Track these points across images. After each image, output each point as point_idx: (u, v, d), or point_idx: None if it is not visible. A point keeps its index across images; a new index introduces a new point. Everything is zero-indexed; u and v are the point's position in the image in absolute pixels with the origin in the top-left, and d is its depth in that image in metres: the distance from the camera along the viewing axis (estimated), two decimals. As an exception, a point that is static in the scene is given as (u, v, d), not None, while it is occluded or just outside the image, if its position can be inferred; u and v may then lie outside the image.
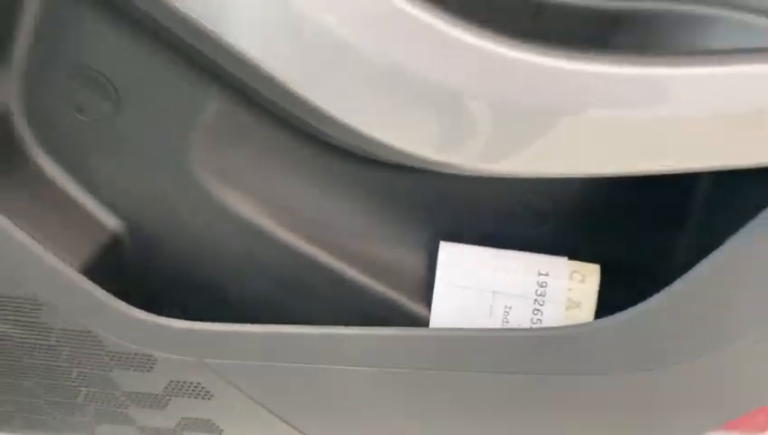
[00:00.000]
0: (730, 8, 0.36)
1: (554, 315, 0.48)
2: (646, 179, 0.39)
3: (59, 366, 0.51)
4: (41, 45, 0.43)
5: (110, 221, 0.49)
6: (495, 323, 0.49)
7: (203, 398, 0.51)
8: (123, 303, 0.46)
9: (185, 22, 0.34)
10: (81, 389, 0.53)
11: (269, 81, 0.35)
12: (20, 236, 0.43)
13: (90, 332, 0.48)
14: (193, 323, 0.47)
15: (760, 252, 0.39)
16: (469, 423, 0.48)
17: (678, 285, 0.41)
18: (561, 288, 0.48)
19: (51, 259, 0.44)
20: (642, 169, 0.36)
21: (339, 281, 0.50)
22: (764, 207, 0.38)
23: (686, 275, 0.41)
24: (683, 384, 0.46)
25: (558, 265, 0.49)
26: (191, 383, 0.50)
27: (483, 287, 0.49)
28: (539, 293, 0.49)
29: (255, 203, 0.48)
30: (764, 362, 0.46)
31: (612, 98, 0.34)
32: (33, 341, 0.49)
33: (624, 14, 0.38)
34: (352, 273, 0.50)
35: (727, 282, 0.41)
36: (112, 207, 0.48)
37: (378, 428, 0.52)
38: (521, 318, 0.49)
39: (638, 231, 0.49)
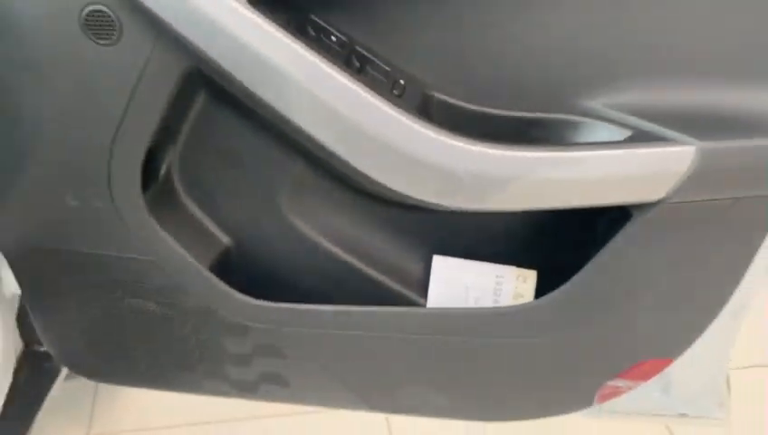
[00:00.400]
0: (596, 118, 0.64)
1: (506, 303, 0.76)
2: (563, 213, 0.66)
3: (184, 335, 0.79)
4: (192, 132, 0.72)
5: (225, 239, 0.77)
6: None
7: (277, 356, 0.78)
8: (233, 289, 0.74)
9: (280, 115, 0.62)
10: (196, 351, 0.80)
11: (336, 157, 0.63)
12: (175, 245, 0.71)
13: (209, 308, 0.75)
14: (276, 303, 0.74)
15: (623, 254, 0.66)
16: (452, 368, 0.76)
17: (576, 279, 0.69)
18: (511, 286, 0.76)
19: (191, 260, 0.72)
20: (555, 206, 0.63)
21: (374, 284, 0.77)
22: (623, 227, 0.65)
23: (578, 274, 0.68)
24: (586, 344, 0.73)
25: (509, 271, 0.76)
26: (271, 345, 0.77)
27: (461, 285, 0.76)
28: (496, 289, 0.76)
29: (322, 232, 0.76)
30: (640, 329, 0.72)
31: (532, 169, 0.61)
32: (170, 315, 0.77)
33: (536, 119, 0.66)
34: (382, 278, 0.78)
35: (605, 277, 0.68)
36: (228, 230, 0.77)
37: (399, 381, 0.79)
38: (485, 305, 0.76)
39: (559, 249, 0.76)
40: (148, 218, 0.70)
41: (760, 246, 0.66)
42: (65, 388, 1.16)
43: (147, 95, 0.63)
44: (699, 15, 0.61)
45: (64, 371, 1.11)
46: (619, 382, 0.76)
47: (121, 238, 0.71)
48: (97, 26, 0.59)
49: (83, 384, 1.41)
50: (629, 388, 0.77)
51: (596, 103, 0.64)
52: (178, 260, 0.72)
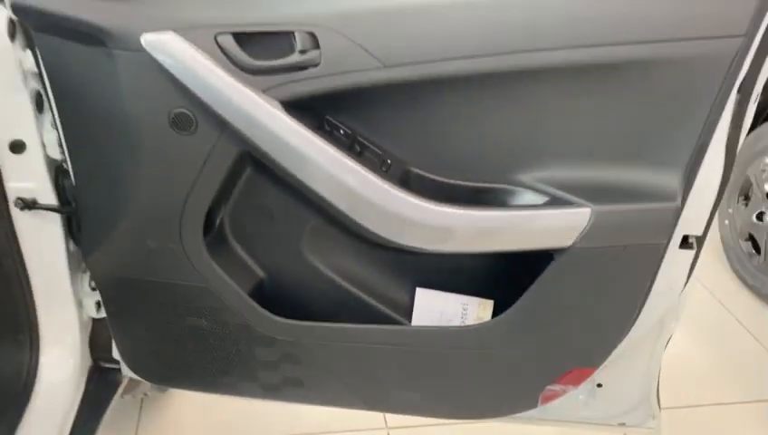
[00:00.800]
0: (526, 187, 0.90)
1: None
2: (513, 257, 0.91)
3: (226, 345, 1.04)
4: (240, 195, 0.99)
5: (261, 272, 1.03)
6: (443, 327, 1.01)
7: (296, 363, 1.03)
8: (265, 310, 0.99)
9: (305, 185, 0.89)
10: (235, 359, 1.05)
11: (342, 213, 0.89)
12: (224, 276, 0.97)
13: (247, 324, 1.00)
14: (297, 321, 0.99)
15: (549, 287, 0.91)
16: (428, 374, 1.00)
17: (517, 305, 0.93)
18: (474, 312, 1.00)
19: (235, 287, 0.98)
20: (495, 249, 0.89)
21: (371, 308, 1.02)
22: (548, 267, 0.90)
23: (518, 302, 0.93)
24: (528, 355, 0.97)
25: (472, 301, 1.01)
26: (292, 354, 1.02)
27: (436, 310, 1.01)
28: (463, 314, 1.00)
29: (332, 268, 1.01)
30: (566, 344, 0.96)
31: (476, 223, 0.87)
32: (216, 329, 1.02)
33: (485, 187, 0.92)
34: (377, 304, 1.03)
35: (537, 303, 0.93)
36: (262, 266, 1.03)
37: (389, 384, 1.03)
38: (453, 320, 1.00)
39: (511, 284, 1.00)
40: (206, 256, 0.96)
41: (651, 279, 0.91)
42: (115, 403, 1.40)
43: (211, 170, 0.90)
44: (592, 119, 0.87)
45: (123, 383, 1.35)
46: (556, 387, 0.99)
47: (185, 271, 0.97)
48: (180, 123, 0.87)
49: (129, 402, 1.67)
50: (564, 392, 1.00)
51: (526, 177, 0.90)
52: (226, 287, 0.98)
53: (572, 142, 0.88)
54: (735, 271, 2.43)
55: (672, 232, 0.87)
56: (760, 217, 2.32)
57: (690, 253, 0.92)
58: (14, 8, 0.85)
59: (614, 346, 0.96)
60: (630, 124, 0.85)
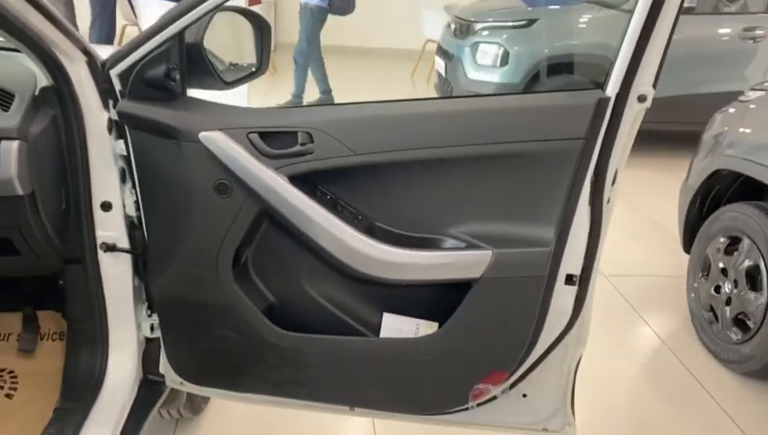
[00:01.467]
0: (453, 238, 1.30)
1: (421, 339, 1.38)
2: (447, 287, 1.30)
3: (245, 352, 1.43)
4: (259, 241, 1.40)
5: (271, 298, 1.43)
6: (400, 341, 1.39)
7: (295, 365, 1.41)
8: (274, 325, 1.39)
9: (305, 235, 1.30)
10: (251, 363, 1.43)
11: (329, 254, 1.30)
12: (246, 299, 1.37)
13: (261, 335, 1.39)
14: (296, 333, 1.38)
15: (469, 309, 1.29)
16: (390, 376, 1.37)
17: (448, 323, 1.31)
18: (423, 330, 1.38)
19: (253, 307, 1.38)
20: (428, 279, 1.28)
21: (349, 326, 1.40)
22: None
23: (449, 320, 1.31)
24: (459, 360, 1.34)
25: (422, 322, 1.38)
26: (292, 358, 1.40)
27: (397, 329, 1.39)
28: (416, 331, 1.38)
29: (323, 296, 1.40)
30: (486, 352, 1.33)
31: (415, 260, 1.27)
32: (239, 339, 1.41)
33: (425, 238, 1.32)
34: (354, 323, 1.40)
35: (462, 321, 1.30)
36: (272, 293, 1.42)
37: (361, 383, 1.40)
38: (408, 335, 1.38)
39: (450, 310, 1.37)
40: (234, 284, 1.37)
41: (542, 304, 1.28)
42: (155, 420, 1.77)
43: (239, 222, 1.32)
44: (493, 193, 1.27)
45: (164, 395, 1.72)
46: (481, 386, 1.35)
47: (219, 294, 1.38)
48: (220, 189, 1.30)
49: (165, 422, 2.03)
50: (489, 391, 1.36)
51: (452, 230, 1.30)
52: (247, 307, 1.38)
53: (481, 208, 1.28)
54: (699, 337, 2.73)
55: (548, 269, 1.25)
56: (717, 290, 2.65)
57: (574, 288, 1.29)
58: (119, 114, 1.31)
59: (521, 353, 1.32)
60: (517, 196, 1.26)
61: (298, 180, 1.28)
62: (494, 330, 1.32)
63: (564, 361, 1.40)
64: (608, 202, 1.26)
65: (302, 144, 1.26)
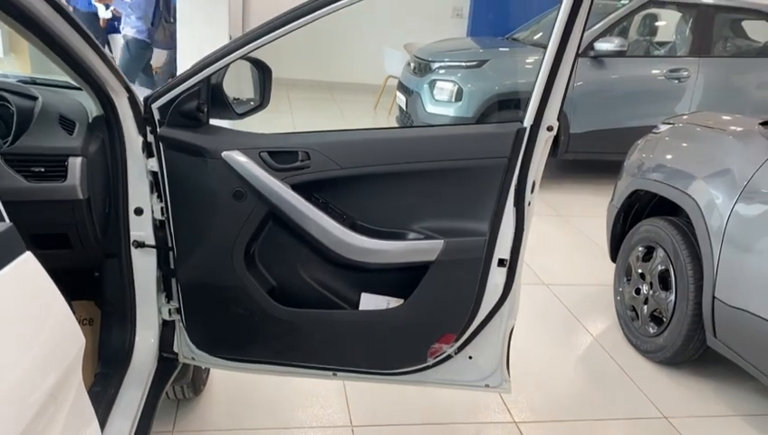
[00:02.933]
0: (417, 232, 1.73)
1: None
2: (411, 270, 1.72)
3: (253, 324, 1.81)
4: (266, 234, 1.80)
5: (273, 282, 1.81)
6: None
7: (291, 334, 1.80)
8: (275, 302, 1.78)
9: (303, 230, 1.71)
10: (258, 333, 1.82)
11: (323, 245, 1.71)
12: (255, 282, 1.76)
13: (265, 311, 1.78)
14: (292, 308, 1.78)
15: (428, 284, 1.71)
16: (364, 340, 1.77)
17: (411, 296, 1.72)
18: (394, 304, 1.79)
19: (260, 289, 1.77)
20: (397, 262, 1.70)
21: (334, 303, 1.80)
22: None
23: (412, 294, 1.72)
24: (419, 324, 1.75)
25: (393, 299, 1.79)
26: (290, 329, 1.79)
27: (373, 304, 1.79)
28: (388, 305, 1.79)
29: (313, 279, 1.79)
30: (439, 317, 1.74)
31: (384, 247, 1.70)
32: (248, 314, 1.79)
33: (397, 232, 1.74)
34: (339, 301, 1.80)
35: (422, 294, 1.72)
36: (274, 278, 1.81)
37: (343, 346, 1.80)
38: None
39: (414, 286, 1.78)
40: (245, 270, 1.76)
41: (481, 281, 1.70)
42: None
43: (251, 221, 1.72)
44: (444, 198, 1.70)
45: (177, 370, 2.06)
46: (437, 345, 1.76)
47: (233, 278, 1.77)
48: (237, 195, 1.70)
49: (168, 403, 2.38)
50: (442, 349, 1.77)
51: (414, 226, 1.73)
52: (255, 289, 1.77)
53: (434, 209, 1.72)
54: (624, 334, 3.20)
55: (484, 253, 1.68)
56: (637, 292, 3.13)
57: (504, 269, 1.72)
58: (160, 137, 1.70)
59: (466, 320, 1.74)
60: (461, 200, 1.69)
61: (298, 188, 1.69)
62: (445, 301, 1.74)
63: (500, 329, 1.82)
64: (528, 205, 1.69)
65: (302, 160, 1.68)
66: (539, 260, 3.85)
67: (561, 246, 4.35)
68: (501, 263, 1.71)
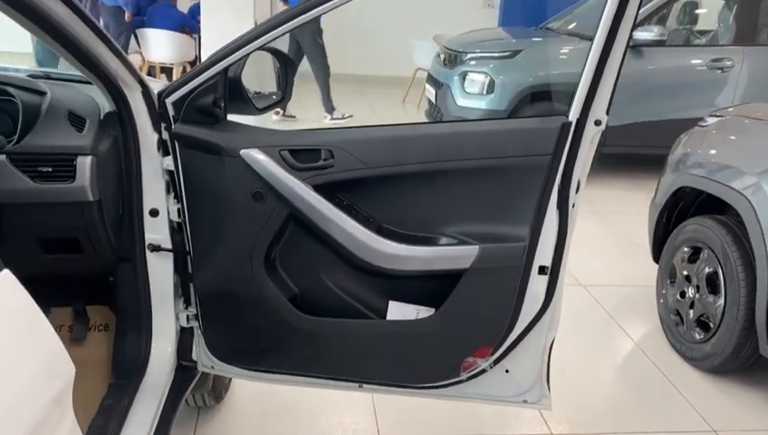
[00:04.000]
0: (450, 236, 1.59)
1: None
2: (444, 278, 1.59)
3: (273, 334, 1.69)
4: (287, 239, 1.68)
5: (295, 289, 1.69)
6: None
7: (313, 345, 1.68)
8: (297, 310, 1.66)
9: (326, 233, 1.59)
10: (277, 343, 1.70)
11: (346, 249, 1.58)
12: (276, 289, 1.64)
13: (286, 320, 1.66)
14: (314, 317, 1.66)
15: (462, 293, 1.57)
16: (394, 352, 1.65)
17: (443, 307, 1.59)
18: (424, 313, 1.66)
19: (282, 297, 1.65)
20: (427, 269, 1.57)
21: (360, 312, 1.67)
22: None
23: (444, 304, 1.59)
24: (452, 337, 1.61)
25: (423, 308, 1.66)
26: (311, 339, 1.67)
27: (401, 313, 1.67)
28: (416, 316, 1.66)
29: (338, 286, 1.67)
30: (474, 329, 1.60)
31: (414, 253, 1.56)
32: (268, 324, 1.68)
33: (427, 236, 1.61)
34: (365, 310, 1.67)
35: (455, 304, 1.59)
36: (296, 285, 1.69)
37: (371, 359, 1.67)
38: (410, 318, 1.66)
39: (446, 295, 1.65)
40: (265, 276, 1.64)
41: (520, 290, 1.56)
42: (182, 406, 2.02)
43: (271, 224, 1.60)
44: (479, 200, 1.56)
45: (195, 378, 1.97)
46: (471, 359, 1.63)
47: (252, 284, 1.65)
48: (257, 196, 1.58)
49: (189, 410, 2.28)
50: (477, 363, 1.63)
51: (446, 230, 1.59)
52: (275, 296, 1.65)
53: (468, 211, 1.58)
54: (668, 339, 3.02)
55: (524, 260, 1.54)
56: (682, 295, 2.95)
57: (545, 277, 1.58)
58: (174, 134, 1.59)
59: (503, 332, 1.60)
60: (498, 201, 1.55)
61: (321, 189, 1.57)
62: (480, 311, 1.60)
63: (540, 341, 1.68)
64: (573, 207, 1.55)
65: (325, 159, 1.55)
66: (575, 259, 3.63)
67: (599, 244, 4.16)
68: (542, 270, 1.57)
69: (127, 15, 6.53)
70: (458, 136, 1.57)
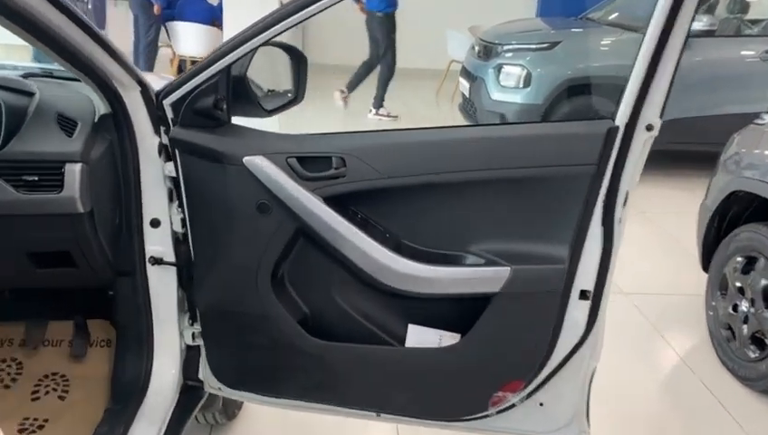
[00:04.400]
0: (476, 254, 1.41)
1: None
2: (468, 301, 1.41)
3: (280, 358, 1.54)
4: (295, 256, 1.51)
5: (305, 309, 1.53)
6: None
7: (323, 371, 1.52)
8: (307, 333, 1.49)
9: (337, 250, 1.42)
10: (285, 368, 1.55)
11: (359, 268, 1.41)
12: (283, 309, 1.49)
13: (294, 343, 1.50)
14: (325, 341, 1.49)
15: (489, 321, 1.39)
16: (413, 382, 1.47)
17: (469, 334, 1.41)
18: (446, 341, 1.48)
19: (289, 317, 1.49)
20: (450, 292, 1.39)
21: (376, 336, 1.51)
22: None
23: (469, 332, 1.41)
24: (479, 368, 1.43)
25: (446, 334, 1.48)
26: (321, 365, 1.51)
27: (421, 339, 1.49)
28: (438, 342, 1.48)
29: (352, 307, 1.50)
30: (504, 361, 1.42)
31: (438, 274, 1.38)
32: (274, 347, 1.52)
33: (449, 254, 1.43)
34: (381, 333, 1.51)
35: (482, 332, 1.41)
36: (306, 304, 1.53)
37: (386, 389, 1.50)
38: (431, 346, 1.48)
39: (471, 322, 1.47)
40: (272, 296, 1.48)
41: (557, 318, 1.37)
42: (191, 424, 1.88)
43: (278, 239, 1.44)
44: (510, 213, 1.38)
45: (203, 400, 1.83)
46: (500, 394, 1.45)
47: (258, 304, 1.50)
48: (262, 209, 1.42)
49: (201, 427, 2.15)
50: (507, 398, 1.45)
51: (473, 248, 1.41)
52: (283, 317, 1.50)
53: (499, 227, 1.39)
54: (717, 355, 2.79)
55: (563, 284, 1.35)
56: (735, 308, 2.71)
57: (587, 302, 1.39)
58: (172, 139, 1.44)
59: (538, 363, 1.42)
60: (533, 216, 1.36)
61: (332, 201, 1.40)
62: (512, 341, 1.42)
63: (580, 371, 1.49)
64: (619, 222, 1.35)
65: (336, 168, 1.38)
66: (617, 264, 3.45)
67: (644, 247, 3.89)
68: (583, 295, 1.38)
69: (156, 8, 6.45)
70: (488, 141, 1.38)
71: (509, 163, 1.34)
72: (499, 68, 5.05)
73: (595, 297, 1.39)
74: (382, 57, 6.28)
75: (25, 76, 1.65)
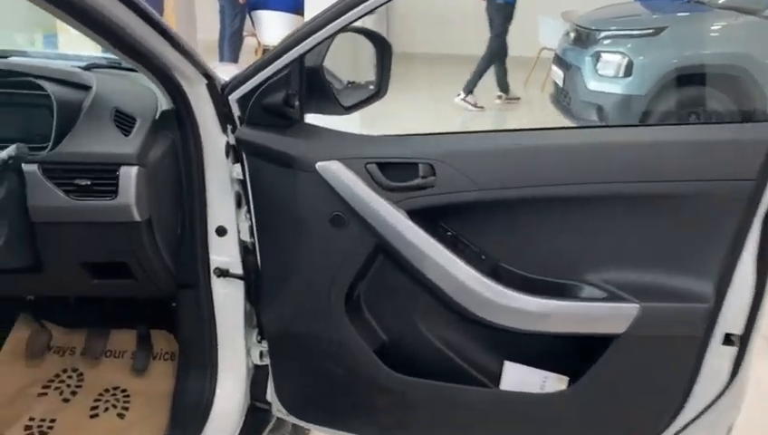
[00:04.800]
0: (592, 285, 1.15)
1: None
2: (581, 340, 1.16)
3: (354, 391, 1.34)
4: (372, 277, 1.31)
5: (384, 337, 1.33)
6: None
7: (405, 410, 1.31)
8: (385, 365, 1.29)
9: (421, 273, 1.20)
10: (360, 402, 1.35)
11: (446, 295, 1.19)
12: (357, 336, 1.29)
13: (370, 375, 1.30)
14: (407, 376, 1.28)
15: (608, 366, 1.14)
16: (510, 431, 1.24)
17: (582, 380, 1.16)
18: (551, 385, 1.24)
19: (364, 344, 1.29)
20: (562, 331, 1.14)
21: (464, 372, 1.29)
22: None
23: (583, 377, 1.16)
24: (592, 423, 1.19)
25: (551, 375, 1.25)
26: (401, 402, 1.30)
27: (520, 380, 1.26)
28: (542, 385, 1.25)
29: (437, 337, 1.29)
30: (626, 414, 1.17)
31: (547, 308, 1.14)
32: (348, 377, 1.33)
33: (558, 283, 1.18)
34: (470, 369, 1.29)
35: (598, 379, 1.16)
36: (386, 332, 1.33)
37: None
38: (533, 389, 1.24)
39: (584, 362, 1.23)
40: (346, 320, 1.29)
41: (694, 367, 1.11)
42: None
43: (354, 256, 1.24)
44: (640, 237, 1.12)
45: (271, 424, 1.67)
46: (620, 452, 1.20)
47: (330, 327, 1.31)
48: (336, 222, 1.23)
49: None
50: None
51: (590, 277, 1.16)
52: (358, 345, 1.30)
53: (625, 253, 1.14)
54: None
55: (705, 327, 1.08)
56: None
57: (733, 349, 1.12)
58: (238, 141, 1.27)
59: (666, 420, 1.16)
60: (669, 242, 1.10)
61: (417, 215, 1.19)
62: (636, 392, 1.16)
63: (715, 427, 1.22)
64: None
65: (423, 177, 1.17)
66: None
67: None
68: (728, 340, 1.11)
69: (241, -4, 6.40)
70: (613, 148, 1.12)
71: (639, 175, 1.08)
72: (597, 56, 4.68)
73: (742, 343, 1.12)
74: (491, 43, 6.14)
75: (88, 68, 1.51)
